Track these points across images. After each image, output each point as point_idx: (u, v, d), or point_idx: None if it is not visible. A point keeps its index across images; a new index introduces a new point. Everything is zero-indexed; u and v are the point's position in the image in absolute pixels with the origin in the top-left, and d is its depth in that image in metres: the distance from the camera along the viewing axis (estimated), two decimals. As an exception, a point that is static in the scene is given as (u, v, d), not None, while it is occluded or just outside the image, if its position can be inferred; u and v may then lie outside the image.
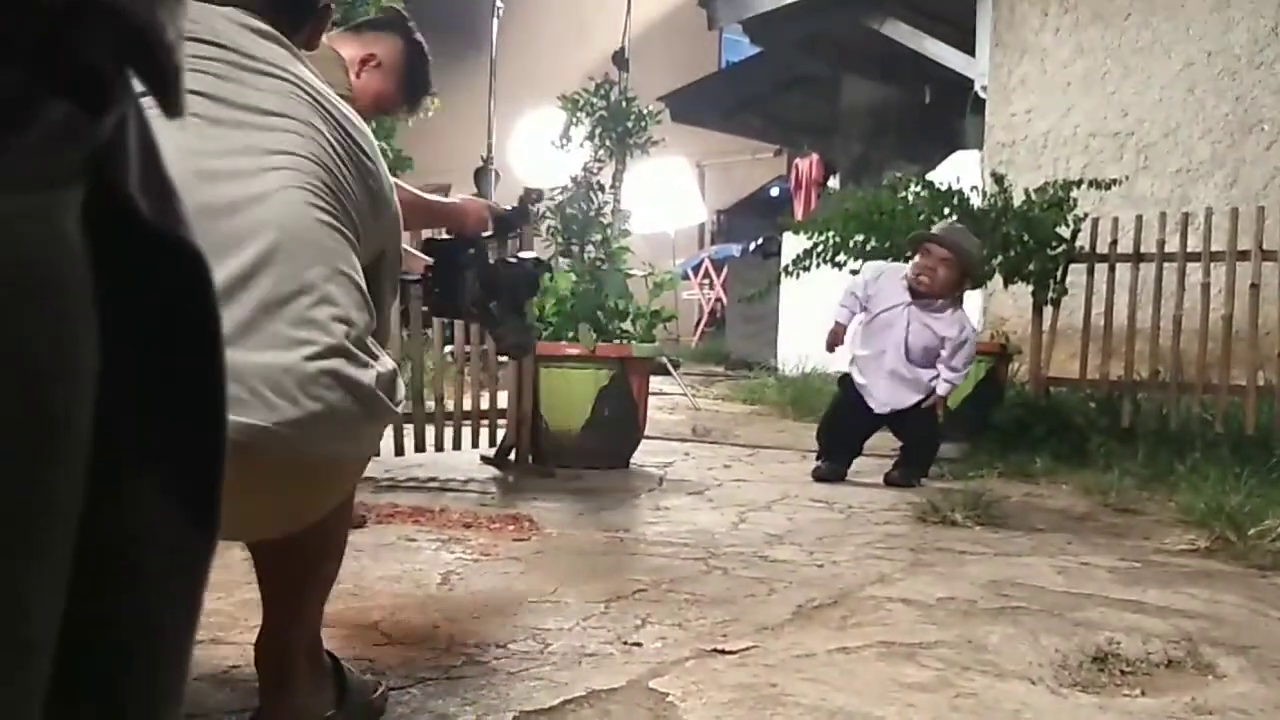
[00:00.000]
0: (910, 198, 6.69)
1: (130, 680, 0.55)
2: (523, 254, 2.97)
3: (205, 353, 0.56)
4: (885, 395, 5.30)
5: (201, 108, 1.57)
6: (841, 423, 5.40)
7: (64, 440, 0.47)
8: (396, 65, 3.55)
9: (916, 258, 5.33)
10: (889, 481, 5.13)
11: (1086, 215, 6.38)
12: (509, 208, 3.28)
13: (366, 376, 1.62)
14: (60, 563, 0.48)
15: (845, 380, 5.50)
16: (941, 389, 5.31)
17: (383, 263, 1.84)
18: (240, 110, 1.61)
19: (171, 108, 0.50)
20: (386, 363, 1.70)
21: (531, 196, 4.84)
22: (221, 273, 1.44)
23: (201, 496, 0.56)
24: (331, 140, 1.68)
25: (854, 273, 6.69)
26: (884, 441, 5.49)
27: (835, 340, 5.45)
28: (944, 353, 5.27)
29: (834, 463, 5.27)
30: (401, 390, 1.76)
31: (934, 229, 5.55)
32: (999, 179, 6.59)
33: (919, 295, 5.26)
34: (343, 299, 1.63)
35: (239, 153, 1.60)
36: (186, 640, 0.58)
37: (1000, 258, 6.39)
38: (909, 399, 5.29)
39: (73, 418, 0.48)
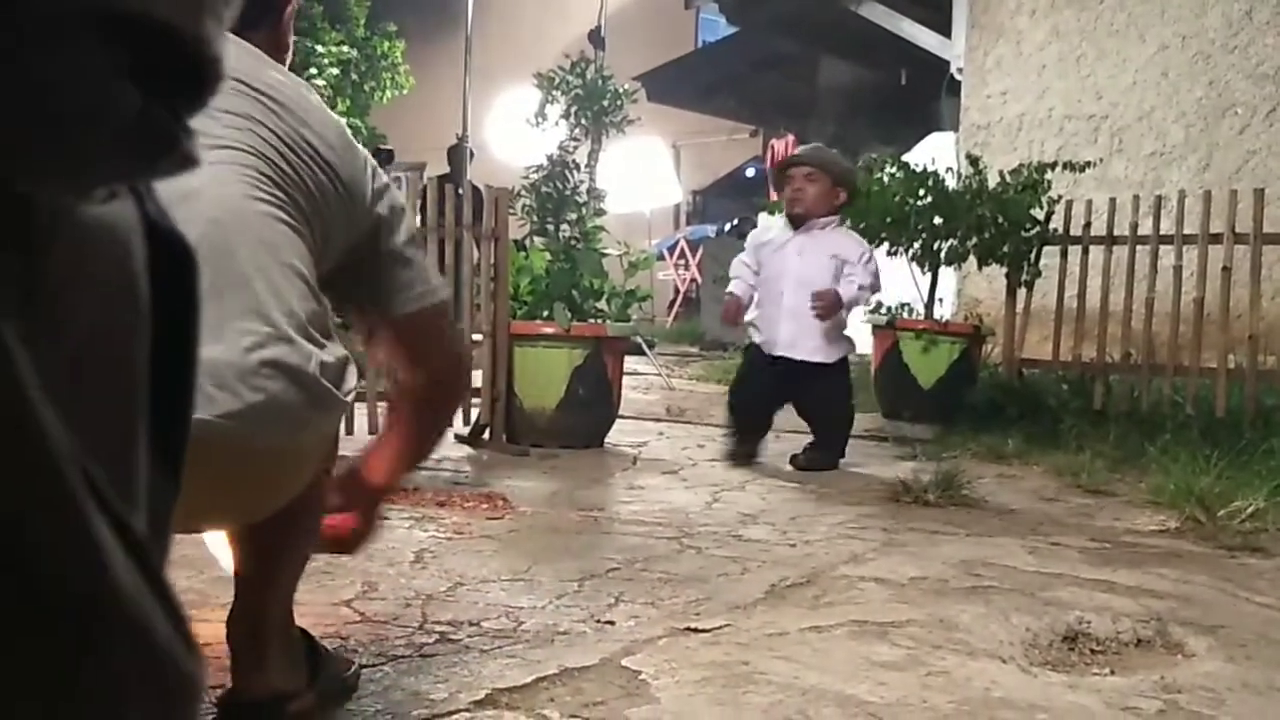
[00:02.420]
0: (886, 179, 6.69)
1: None
2: None
3: (190, 334, 0.62)
4: (786, 336, 5.04)
5: None
6: (747, 393, 5.20)
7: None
8: None
9: (785, 190, 5.21)
10: (795, 465, 4.95)
11: (1060, 198, 6.40)
12: None
13: (311, 364, 1.61)
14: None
15: (749, 348, 5.32)
16: (846, 291, 4.96)
17: (381, 231, 1.82)
18: None
19: (198, 110, 0.54)
20: (336, 350, 1.68)
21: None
22: None
23: (177, 458, 0.61)
24: (274, 132, 1.67)
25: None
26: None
27: (732, 313, 5.24)
28: (848, 269, 5.02)
29: (743, 442, 5.09)
30: (353, 378, 1.73)
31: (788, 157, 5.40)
32: (974, 161, 6.60)
33: (799, 221, 5.11)
34: (284, 287, 1.61)
35: None
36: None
37: (974, 239, 6.40)
38: (811, 339, 5.00)
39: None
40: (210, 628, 2.25)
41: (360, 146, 1.85)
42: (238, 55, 1.69)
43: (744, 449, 5.08)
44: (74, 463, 0.45)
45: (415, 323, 1.86)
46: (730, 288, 5.28)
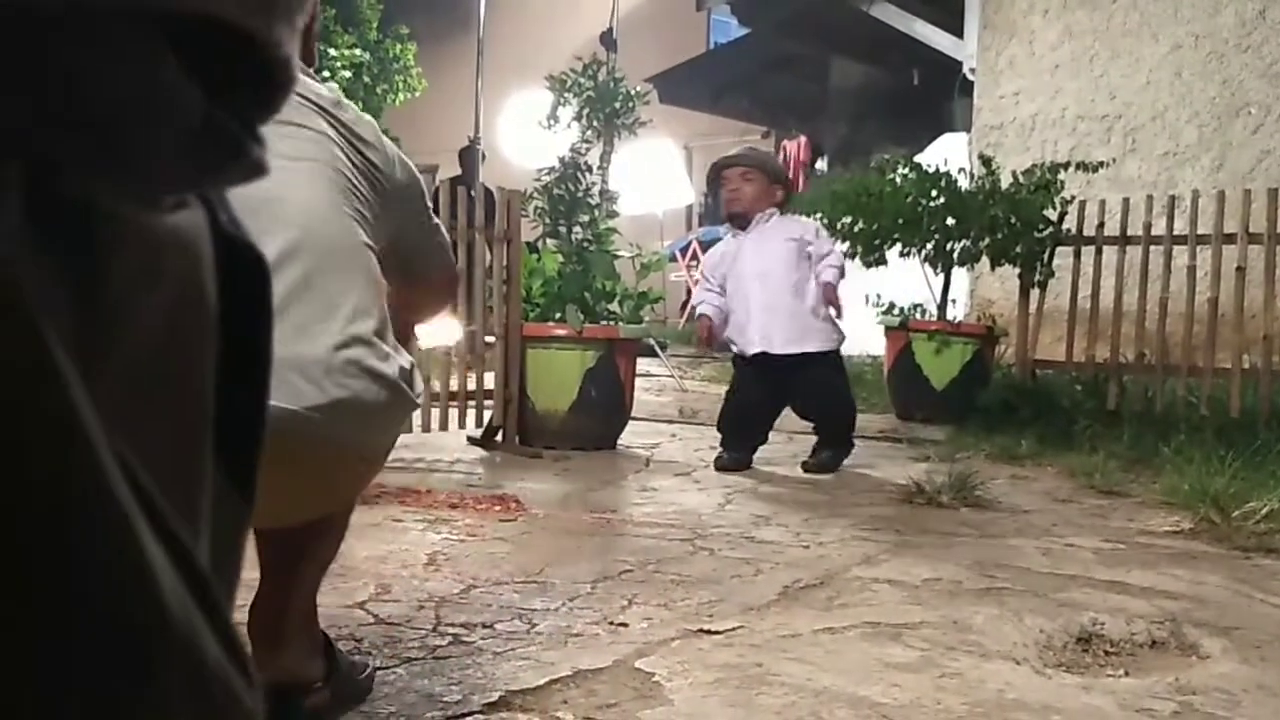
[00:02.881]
0: (898, 179, 6.69)
1: None
2: None
3: (262, 346, 0.61)
4: (761, 332, 4.94)
5: None
6: (738, 405, 5.13)
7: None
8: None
9: (721, 192, 5.17)
10: (806, 469, 4.92)
11: (1073, 198, 6.39)
12: None
13: (389, 367, 1.70)
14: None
15: (736, 360, 5.26)
16: (829, 275, 4.87)
17: (415, 214, 1.97)
18: None
19: (269, 117, 0.53)
20: (405, 357, 1.78)
21: None
22: None
23: (249, 475, 0.60)
24: (339, 144, 1.77)
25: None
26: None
27: (708, 335, 5.15)
28: (811, 250, 4.96)
29: (733, 451, 5.01)
30: (420, 383, 1.84)
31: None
32: (986, 161, 6.59)
33: (740, 219, 5.08)
34: (364, 293, 1.71)
35: None
36: (231, 604, 0.61)
37: (987, 240, 6.39)
38: (784, 332, 4.91)
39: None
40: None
41: (385, 137, 1.94)
42: None
43: (732, 457, 4.99)
44: (123, 476, 0.44)
45: (440, 278, 2.10)
46: (700, 310, 5.19)
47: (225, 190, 0.57)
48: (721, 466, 4.93)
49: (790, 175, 13.10)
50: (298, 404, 1.55)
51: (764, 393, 5.03)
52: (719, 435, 5.15)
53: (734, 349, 5.17)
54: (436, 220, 2.07)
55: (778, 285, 4.93)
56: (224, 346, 0.56)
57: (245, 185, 0.53)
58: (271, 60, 0.50)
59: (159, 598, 0.45)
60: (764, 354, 4.94)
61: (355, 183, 1.78)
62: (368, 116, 1.92)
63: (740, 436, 5.08)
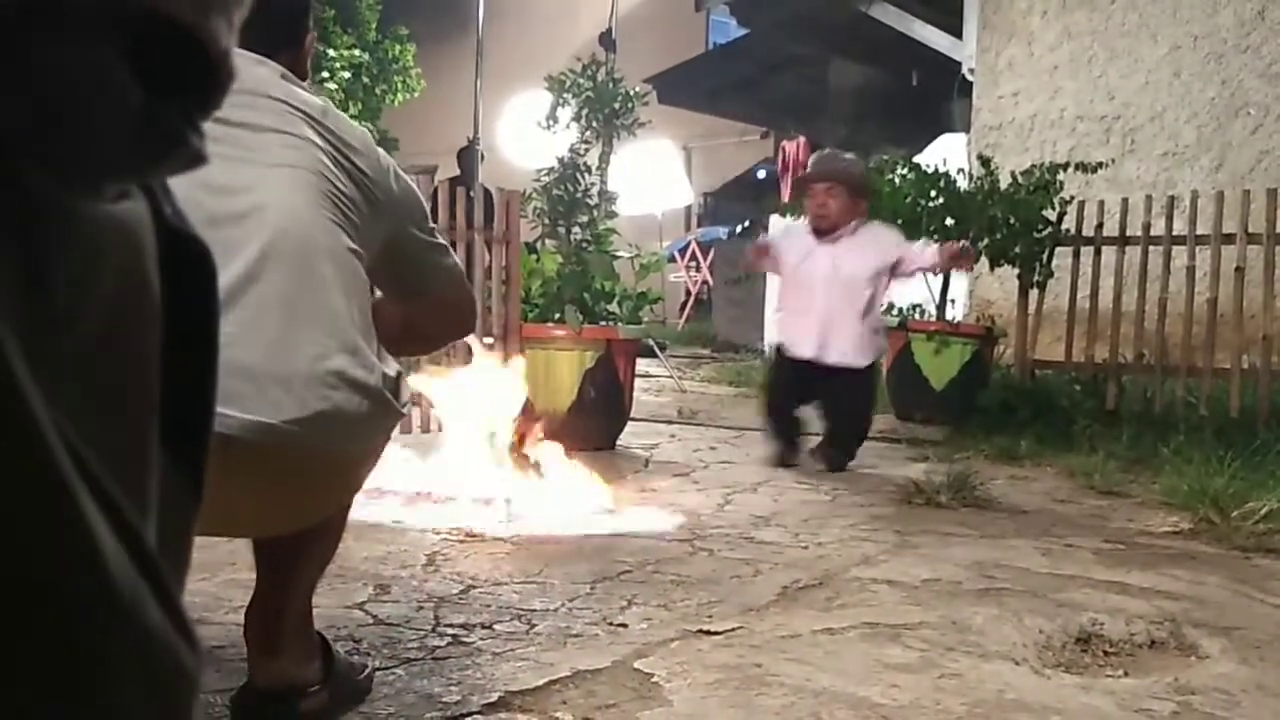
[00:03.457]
0: (897, 180, 6.69)
1: None
2: None
3: (209, 338, 0.62)
4: (818, 340, 5.05)
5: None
6: (782, 399, 5.23)
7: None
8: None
9: (807, 203, 5.26)
10: (814, 457, 5.07)
11: (1073, 198, 6.39)
12: None
13: (372, 376, 1.68)
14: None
15: (776, 353, 5.36)
16: (925, 259, 5.14)
17: (405, 234, 1.91)
18: (238, 128, 1.68)
19: (209, 112, 0.55)
20: (391, 365, 1.77)
21: None
22: (226, 275, 1.50)
23: (198, 464, 0.61)
24: (323, 150, 1.76)
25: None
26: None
27: (756, 258, 5.36)
28: (906, 258, 5.12)
29: (783, 443, 5.15)
30: (407, 391, 1.83)
31: (808, 168, 5.47)
32: (985, 162, 6.59)
33: (826, 233, 5.14)
34: (349, 300, 1.70)
35: (240, 163, 1.66)
36: (179, 586, 0.62)
37: (986, 240, 6.39)
38: (843, 343, 5.04)
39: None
40: (223, 630, 2.26)
41: (379, 148, 1.93)
42: (274, 76, 1.79)
43: (787, 453, 5.13)
44: (65, 451, 0.45)
45: (445, 298, 2.03)
46: (768, 242, 5.40)
47: (167, 179, 0.58)
48: (781, 462, 5.06)
49: (790, 176, 13.12)
50: (277, 417, 1.54)
51: (802, 388, 5.15)
52: (768, 433, 5.25)
53: (778, 339, 5.30)
54: (443, 241, 2.03)
55: (845, 300, 5.05)
56: (171, 338, 0.57)
57: (187, 173, 0.54)
58: (210, 54, 0.52)
59: (102, 565, 0.47)
60: (809, 361, 5.08)
61: (340, 188, 1.76)
62: (360, 127, 1.91)
63: (790, 431, 5.21)
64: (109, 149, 0.49)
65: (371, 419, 1.70)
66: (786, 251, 5.25)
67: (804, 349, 5.08)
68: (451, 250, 2.07)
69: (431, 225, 1.99)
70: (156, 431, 0.56)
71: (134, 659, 0.49)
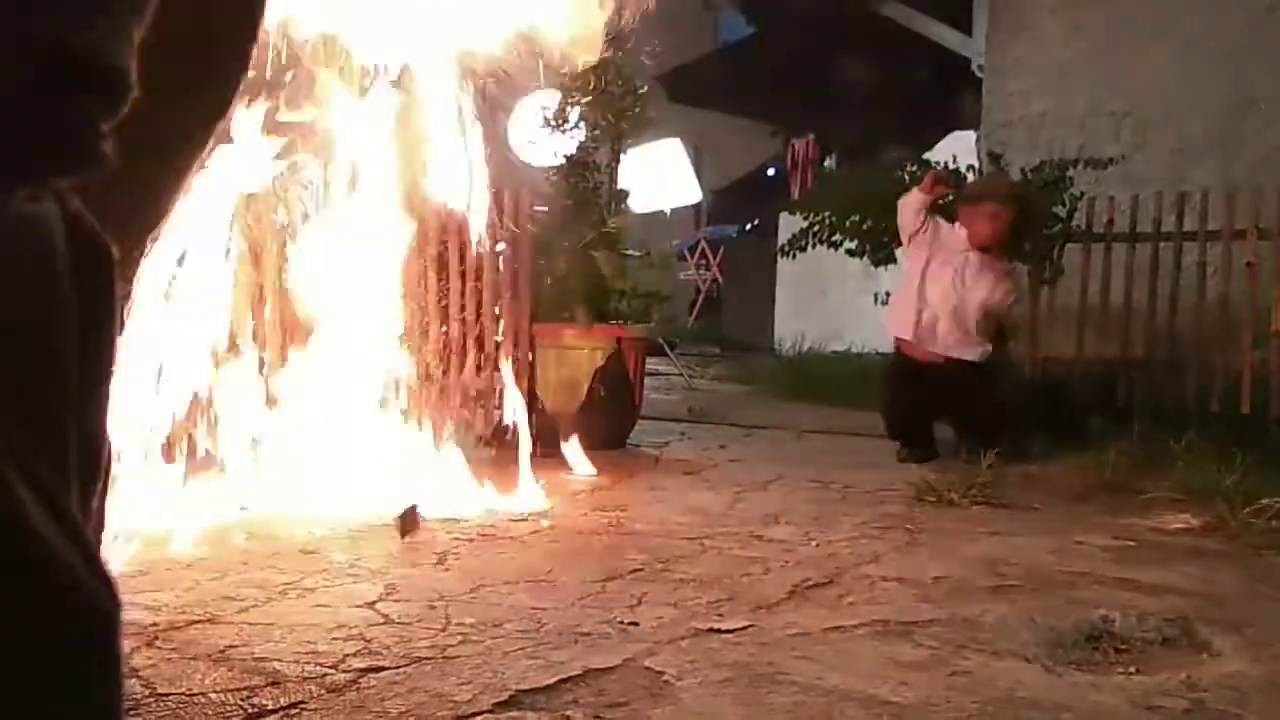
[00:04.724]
0: (907, 178, 6.67)
1: None
2: None
3: (110, 326, 0.68)
4: (944, 334, 5.28)
5: None
6: (905, 404, 5.35)
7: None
8: None
9: (969, 214, 5.37)
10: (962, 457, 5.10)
11: (1083, 195, 6.36)
12: None
13: None
14: None
15: (896, 353, 5.48)
16: (1000, 295, 5.33)
17: None
18: None
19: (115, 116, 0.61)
20: None
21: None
22: None
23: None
24: None
25: (850, 252, 6.70)
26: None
27: (942, 184, 5.55)
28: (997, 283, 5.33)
29: (917, 447, 5.26)
30: None
31: (977, 187, 5.68)
32: (996, 158, 6.57)
33: (979, 249, 5.32)
34: None
35: None
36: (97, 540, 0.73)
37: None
38: (961, 339, 5.28)
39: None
40: (233, 629, 2.27)
41: None
42: None
43: (923, 453, 5.23)
44: None
45: None
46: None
47: (73, 182, 0.62)
48: (918, 461, 5.14)
49: (799, 173, 13.12)
50: None
51: (923, 391, 5.27)
52: (897, 438, 5.36)
53: (895, 324, 5.43)
54: None
55: (970, 300, 5.27)
56: (84, 329, 0.63)
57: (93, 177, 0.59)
58: (110, 70, 0.58)
59: (37, 532, 0.54)
60: (936, 356, 5.25)
61: None
62: None
63: (919, 432, 5.33)
64: (12, 153, 0.54)
65: None
66: (932, 236, 5.38)
67: (935, 345, 5.28)
68: None
69: None
70: (75, 412, 0.61)
71: (50, 605, 0.57)
